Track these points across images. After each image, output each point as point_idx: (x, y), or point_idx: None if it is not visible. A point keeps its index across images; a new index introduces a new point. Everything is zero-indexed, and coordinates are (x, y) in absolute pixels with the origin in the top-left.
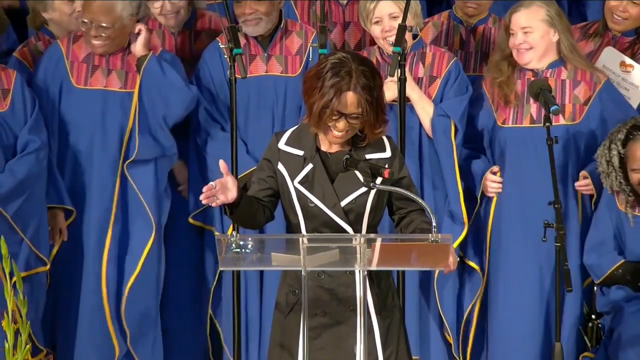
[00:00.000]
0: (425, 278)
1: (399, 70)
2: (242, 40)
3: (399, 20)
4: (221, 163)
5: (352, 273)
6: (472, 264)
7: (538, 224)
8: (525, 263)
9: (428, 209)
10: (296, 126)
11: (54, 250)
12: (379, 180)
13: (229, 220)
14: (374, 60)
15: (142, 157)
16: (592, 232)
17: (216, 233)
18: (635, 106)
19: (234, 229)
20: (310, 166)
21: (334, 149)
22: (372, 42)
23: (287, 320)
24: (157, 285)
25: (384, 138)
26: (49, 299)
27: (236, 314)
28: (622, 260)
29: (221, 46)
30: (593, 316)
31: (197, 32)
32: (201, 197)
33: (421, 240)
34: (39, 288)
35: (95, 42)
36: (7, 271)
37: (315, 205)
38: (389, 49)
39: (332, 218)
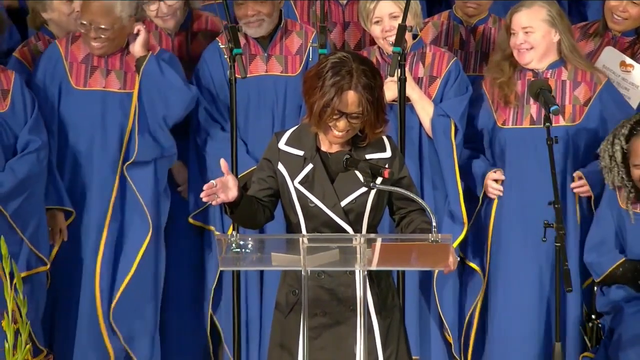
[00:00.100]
0: (425, 278)
1: (399, 70)
2: (242, 40)
3: (399, 20)
4: (222, 162)
5: (352, 273)
6: (473, 265)
7: (538, 224)
8: (525, 263)
9: (428, 209)
10: (296, 126)
11: (54, 251)
12: (379, 180)
13: (229, 220)
14: (374, 60)
15: (142, 159)
16: (593, 230)
17: (216, 233)
18: (635, 106)
19: (234, 229)
20: (310, 166)
21: (334, 149)
22: (372, 42)
23: (287, 320)
24: (155, 286)
25: (384, 138)
26: (49, 299)
27: (236, 313)
28: (623, 259)
29: (221, 46)
30: (593, 316)
31: (193, 33)
32: (202, 195)
33: (421, 240)
34: (39, 288)
35: (95, 43)
36: (7, 271)
37: (315, 205)
38: (389, 49)
39: (332, 218)
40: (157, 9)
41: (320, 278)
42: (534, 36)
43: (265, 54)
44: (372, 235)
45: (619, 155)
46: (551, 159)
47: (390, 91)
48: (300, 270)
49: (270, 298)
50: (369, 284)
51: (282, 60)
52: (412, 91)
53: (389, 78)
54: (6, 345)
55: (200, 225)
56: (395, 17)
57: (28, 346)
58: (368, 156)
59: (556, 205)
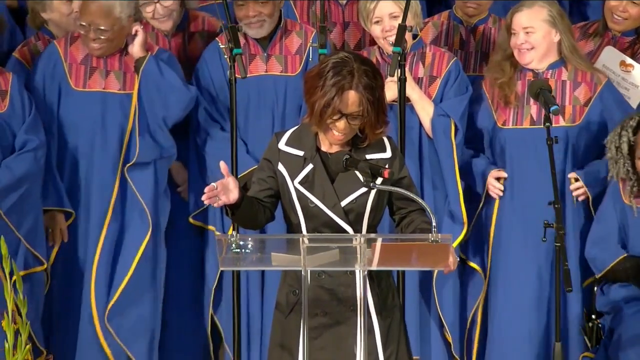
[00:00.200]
0: (425, 278)
1: (399, 70)
2: (242, 40)
3: (399, 20)
4: (222, 164)
5: (352, 273)
6: (474, 265)
7: (538, 224)
8: (526, 263)
9: (428, 209)
10: (296, 126)
11: (54, 251)
12: (379, 180)
13: (229, 220)
14: (374, 60)
15: (142, 160)
16: (596, 225)
17: (216, 233)
18: (635, 106)
19: (234, 229)
20: (310, 166)
21: (334, 149)
22: (372, 42)
23: (288, 320)
24: (155, 287)
25: (385, 138)
26: (49, 300)
27: (237, 313)
28: (624, 255)
29: (221, 46)
30: (593, 316)
31: (190, 34)
32: (203, 197)
33: (421, 240)
34: (38, 288)
35: (94, 44)
36: (7, 271)
37: (316, 205)
38: (389, 49)
39: (332, 218)
40: (153, 10)
41: (320, 278)
42: (535, 36)
43: (265, 54)
44: (372, 235)
45: (625, 147)
46: (551, 159)
47: (390, 91)
48: (301, 270)
49: (271, 298)
50: (369, 284)
51: (282, 60)
52: (412, 91)
53: (389, 78)
54: (6, 346)
55: (200, 225)
56: (395, 17)
57: (28, 346)
58: (368, 156)
59: (556, 205)
